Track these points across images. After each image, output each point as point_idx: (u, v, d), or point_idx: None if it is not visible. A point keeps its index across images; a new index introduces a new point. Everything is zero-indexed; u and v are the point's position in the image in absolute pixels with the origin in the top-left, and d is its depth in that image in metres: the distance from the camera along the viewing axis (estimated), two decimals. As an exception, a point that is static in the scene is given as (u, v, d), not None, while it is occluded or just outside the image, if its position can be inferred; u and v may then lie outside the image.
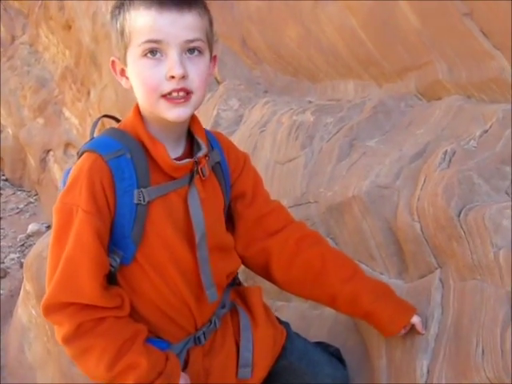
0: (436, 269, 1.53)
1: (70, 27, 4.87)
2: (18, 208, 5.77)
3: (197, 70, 1.23)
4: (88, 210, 1.20)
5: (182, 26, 1.21)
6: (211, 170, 1.41)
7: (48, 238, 2.95)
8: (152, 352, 1.28)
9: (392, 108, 2.07)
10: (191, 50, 1.23)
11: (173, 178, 1.31)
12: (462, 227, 1.42)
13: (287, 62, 2.68)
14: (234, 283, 1.58)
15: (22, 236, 5.26)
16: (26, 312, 3.21)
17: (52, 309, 1.22)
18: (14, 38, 6.29)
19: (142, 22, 1.20)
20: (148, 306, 1.34)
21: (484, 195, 1.48)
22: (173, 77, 1.20)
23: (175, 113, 1.24)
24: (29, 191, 6.07)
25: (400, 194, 1.65)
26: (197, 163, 1.33)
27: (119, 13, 1.25)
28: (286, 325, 1.63)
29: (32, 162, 5.88)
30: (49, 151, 5.65)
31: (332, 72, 2.47)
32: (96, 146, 1.27)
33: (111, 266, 1.27)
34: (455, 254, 1.45)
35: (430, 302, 1.49)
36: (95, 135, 1.36)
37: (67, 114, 5.38)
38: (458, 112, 1.84)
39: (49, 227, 5.23)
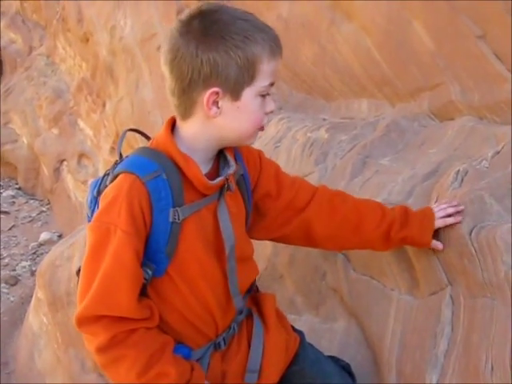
0: (447, 286, 1.55)
1: (87, 40, 4.94)
2: (30, 216, 5.81)
3: None
4: (127, 230, 1.24)
5: None
6: (236, 183, 1.45)
7: (61, 247, 3.01)
8: (180, 362, 1.32)
9: (405, 127, 2.11)
10: None
11: (204, 195, 1.36)
12: (473, 245, 1.45)
13: (302, 80, 2.73)
14: (252, 290, 1.61)
15: (33, 244, 5.30)
16: (37, 319, 3.24)
17: (87, 320, 1.26)
18: (31, 49, 6.38)
19: (273, 65, 1.29)
20: (174, 316, 1.38)
21: (495, 215, 1.51)
22: (271, 112, 1.35)
23: (255, 139, 1.41)
24: (41, 200, 6.11)
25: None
26: (227, 180, 1.38)
27: (245, 48, 1.24)
28: (300, 333, 1.66)
29: (45, 171, 5.94)
30: (62, 161, 5.70)
31: (346, 91, 2.51)
32: (133, 167, 1.30)
33: (144, 278, 1.31)
34: (466, 271, 1.47)
35: (440, 318, 1.52)
36: (123, 150, 1.40)
37: (82, 125, 5.44)
38: (471, 133, 1.87)
39: (60, 236, 5.27)
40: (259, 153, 1.59)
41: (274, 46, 1.29)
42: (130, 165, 1.32)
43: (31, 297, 3.44)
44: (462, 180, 1.64)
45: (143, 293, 1.34)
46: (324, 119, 2.52)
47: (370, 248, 1.63)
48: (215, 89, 1.26)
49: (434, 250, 1.56)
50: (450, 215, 1.52)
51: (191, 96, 1.28)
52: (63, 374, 3.00)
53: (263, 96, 1.30)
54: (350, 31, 2.36)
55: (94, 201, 1.39)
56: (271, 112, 1.35)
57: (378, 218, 1.55)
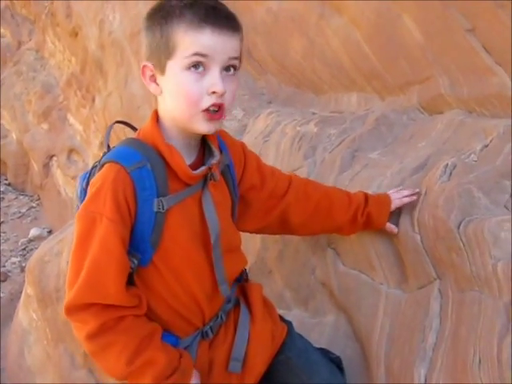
0: (435, 279, 1.55)
1: (76, 34, 4.91)
2: (20, 212, 5.79)
3: (231, 88, 1.30)
4: (113, 218, 1.26)
5: (228, 47, 1.28)
6: (221, 173, 1.46)
7: (50, 243, 2.99)
8: (168, 349, 1.34)
9: (394, 121, 2.10)
10: (228, 68, 1.29)
11: (188, 185, 1.37)
12: (461, 239, 1.45)
13: (291, 73, 2.72)
14: (242, 279, 1.63)
15: (23, 240, 5.28)
16: (27, 315, 3.22)
17: (76, 308, 1.28)
18: (20, 44, 6.34)
19: (194, 36, 1.25)
20: (160, 304, 1.40)
21: (483, 208, 1.51)
22: (214, 92, 1.27)
23: (208, 127, 1.31)
24: (31, 196, 6.09)
25: (401, 206, 1.67)
26: (210, 169, 1.39)
27: (166, 22, 1.27)
28: (288, 323, 1.67)
29: (35, 167, 5.91)
30: (52, 157, 5.68)
31: (336, 84, 2.50)
32: (119, 157, 1.32)
33: (130, 267, 1.32)
34: (454, 265, 1.47)
35: (429, 312, 1.52)
36: (110, 142, 1.41)
37: (71, 120, 5.41)
38: (460, 126, 1.87)
39: (50, 232, 5.25)
40: (242, 145, 1.60)
41: (197, 18, 1.25)
42: (115, 155, 1.33)
43: (21, 293, 3.42)
44: (451, 174, 1.63)
45: (130, 282, 1.35)
46: (313, 113, 2.51)
47: (337, 232, 1.74)
48: (144, 63, 1.32)
49: (423, 243, 1.56)
50: (405, 196, 1.65)
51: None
52: (53, 370, 2.99)
53: (194, 71, 1.26)
54: (339, 25, 2.36)
55: (84, 192, 1.40)
56: (214, 93, 1.26)
57: (346, 204, 1.65)
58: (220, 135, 1.52)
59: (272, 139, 2.34)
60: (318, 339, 1.79)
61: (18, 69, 6.16)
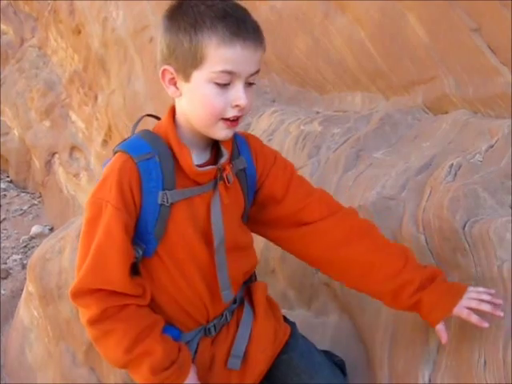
0: (440, 280, 1.54)
1: (79, 32, 4.90)
2: (21, 209, 5.78)
3: (250, 99, 1.31)
4: (117, 206, 1.29)
5: (254, 61, 1.29)
6: (235, 176, 1.46)
7: (52, 241, 2.99)
8: (167, 341, 1.35)
9: (399, 120, 2.10)
10: (250, 80, 1.31)
11: (198, 184, 1.37)
12: (466, 240, 1.44)
13: (295, 72, 2.71)
14: (250, 280, 1.62)
15: (24, 237, 5.27)
16: (28, 313, 3.22)
17: (81, 293, 1.31)
18: (23, 41, 6.33)
19: (225, 52, 1.25)
20: (165, 297, 1.42)
21: (489, 209, 1.50)
22: (237, 106, 1.28)
23: (226, 133, 1.33)
24: (33, 193, 6.08)
25: (405, 206, 1.67)
26: (220, 170, 1.39)
27: (195, 31, 1.26)
28: (291, 323, 1.67)
29: (37, 164, 5.90)
30: (54, 154, 5.67)
31: (340, 83, 2.50)
32: (128, 148, 1.34)
33: (134, 257, 1.35)
34: (459, 265, 1.47)
35: (433, 312, 1.51)
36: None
37: (74, 117, 5.40)
38: (465, 126, 1.86)
39: (51, 229, 5.24)
40: (276, 154, 1.57)
41: (228, 33, 1.25)
42: (126, 145, 1.36)
43: (22, 290, 3.41)
44: (456, 174, 1.63)
45: (136, 272, 1.37)
46: (317, 112, 2.51)
47: (378, 299, 1.48)
48: (166, 67, 1.32)
49: (428, 244, 1.55)
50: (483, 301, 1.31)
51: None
52: (54, 367, 2.98)
53: (219, 84, 1.27)
54: (343, 24, 2.35)
55: None
56: (237, 106, 1.28)
57: (392, 271, 1.39)
58: (249, 140, 1.53)
59: (276, 138, 2.33)
60: (321, 339, 1.79)
61: (20, 66, 6.15)
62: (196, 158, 1.37)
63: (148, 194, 1.32)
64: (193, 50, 1.27)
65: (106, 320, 1.30)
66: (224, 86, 1.28)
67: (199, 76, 1.28)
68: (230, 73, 1.26)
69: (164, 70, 1.33)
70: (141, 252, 1.35)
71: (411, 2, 2.05)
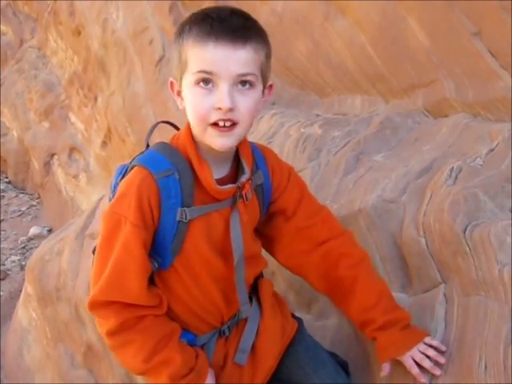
0: (440, 284, 1.55)
1: (79, 33, 4.89)
2: (20, 211, 5.77)
3: (245, 103, 1.28)
4: (136, 223, 1.30)
5: (234, 60, 1.25)
6: (253, 191, 1.46)
7: (51, 242, 2.98)
8: (185, 349, 1.38)
9: (399, 124, 2.10)
10: (243, 83, 1.28)
11: (217, 200, 1.38)
12: (467, 243, 1.44)
13: (295, 75, 2.71)
14: (257, 277, 1.63)
15: (23, 238, 5.26)
16: (26, 314, 3.21)
17: (99, 305, 1.34)
18: (22, 42, 6.32)
19: (198, 52, 1.26)
20: (180, 306, 1.44)
21: (489, 212, 1.50)
22: (220, 108, 1.25)
23: (220, 141, 1.30)
24: (31, 194, 6.07)
25: (406, 209, 1.67)
26: (240, 188, 1.39)
27: (180, 37, 1.30)
28: (299, 320, 1.68)
29: (36, 165, 5.89)
30: (53, 155, 5.66)
31: (340, 86, 2.50)
32: (148, 163, 1.34)
33: (151, 269, 1.36)
34: (460, 269, 1.47)
35: (434, 316, 1.51)
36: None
37: (73, 118, 5.39)
38: (465, 130, 1.86)
39: (50, 231, 5.23)
40: (290, 170, 1.58)
41: (201, 33, 1.25)
42: (145, 160, 1.36)
43: (20, 291, 3.41)
44: (456, 177, 1.63)
45: (151, 282, 1.40)
46: (317, 115, 2.50)
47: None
48: (171, 79, 1.36)
49: (429, 247, 1.56)
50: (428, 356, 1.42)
51: None
52: (52, 369, 2.98)
53: (203, 87, 1.26)
54: (344, 27, 2.35)
55: (116, 187, 1.43)
56: (219, 109, 1.25)
57: (369, 303, 1.49)
58: (266, 154, 1.52)
59: (276, 141, 2.33)
60: (321, 342, 1.78)
61: (19, 67, 6.14)
62: (215, 171, 1.36)
63: (167, 211, 1.32)
64: (179, 56, 1.30)
65: (124, 331, 1.32)
66: (208, 89, 1.26)
67: (186, 80, 1.29)
68: (208, 73, 1.25)
69: (171, 83, 1.36)
70: (157, 265, 1.37)
71: (411, 5, 2.05)
